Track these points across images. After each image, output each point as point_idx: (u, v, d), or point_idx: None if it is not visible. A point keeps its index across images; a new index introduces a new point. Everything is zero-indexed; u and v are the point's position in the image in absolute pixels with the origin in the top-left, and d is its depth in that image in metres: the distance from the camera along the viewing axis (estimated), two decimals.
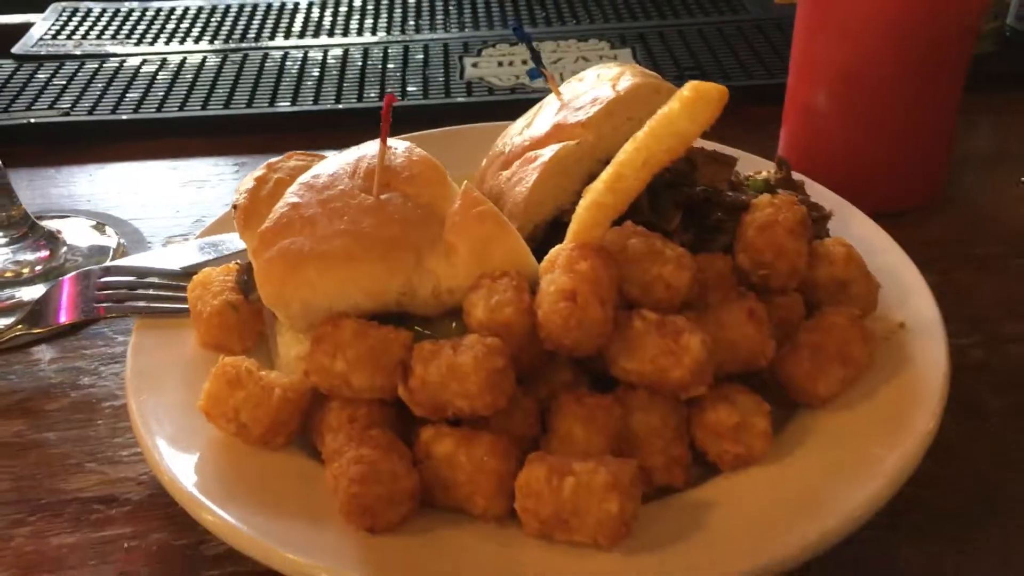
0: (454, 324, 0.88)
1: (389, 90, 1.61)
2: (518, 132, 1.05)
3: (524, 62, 1.70)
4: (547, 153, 0.95)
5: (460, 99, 1.59)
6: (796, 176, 1.09)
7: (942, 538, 0.85)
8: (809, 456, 0.83)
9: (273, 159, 0.97)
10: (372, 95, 1.61)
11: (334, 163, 0.94)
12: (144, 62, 1.76)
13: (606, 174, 0.78)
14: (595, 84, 1.02)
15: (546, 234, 0.96)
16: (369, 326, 0.83)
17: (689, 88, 0.70)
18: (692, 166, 0.98)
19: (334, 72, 1.70)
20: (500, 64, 1.70)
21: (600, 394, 0.83)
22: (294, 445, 0.87)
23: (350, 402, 0.84)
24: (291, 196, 0.90)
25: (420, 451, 0.80)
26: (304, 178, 0.92)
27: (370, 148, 0.95)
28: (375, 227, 0.86)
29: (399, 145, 0.94)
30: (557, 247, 0.84)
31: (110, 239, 1.30)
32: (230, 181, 1.47)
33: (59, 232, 1.29)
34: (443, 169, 0.92)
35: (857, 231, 1.07)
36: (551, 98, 1.07)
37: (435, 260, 0.87)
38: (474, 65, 1.70)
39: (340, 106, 1.59)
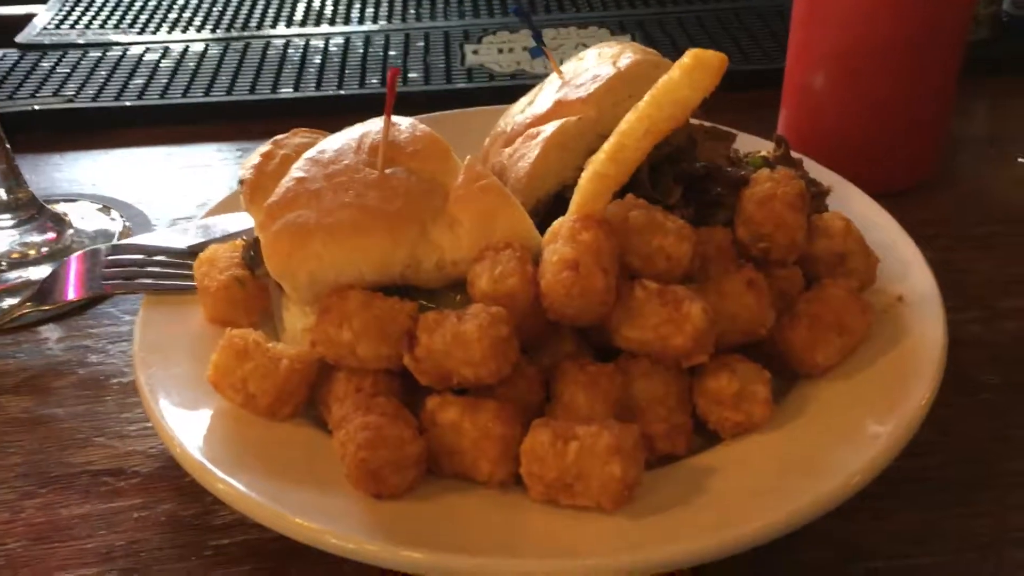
0: (458, 296, 0.90)
1: None
2: (520, 111, 1.06)
3: (524, 48, 1.71)
4: (548, 129, 0.96)
5: (461, 84, 1.60)
6: (794, 154, 1.11)
7: (940, 505, 0.86)
8: (808, 424, 0.84)
9: (279, 136, 0.98)
10: (374, 81, 1.62)
11: (339, 139, 0.95)
12: (147, 50, 1.77)
13: (608, 144, 0.80)
14: (596, 62, 1.04)
15: (548, 208, 0.97)
16: (374, 296, 0.85)
17: (689, 55, 0.71)
18: (692, 142, 0.99)
19: (336, 60, 1.71)
20: (500, 51, 1.71)
21: (601, 362, 0.84)
22: (301, 416, 0.88)
23: (356, 372, 0.85)
24: (297, 171, 0.91)
25: (426, 419, 0.81)
26: (310, 153, 0.93)
27: (374, 124, 0.96)
28: (380, 200, 0.87)
29: (403, 121, 0.95)
30: (560, 219, 0.85)
31: (115, 221, 1.31)
32: (233, 165, 1.48)
33: (65, 215, 1.30)
34: (446, 144, 0.93)
35: (855, 208, 1.08)
36: (552, 77, 1.08)
37: (439, 232, 0.88)
38: (475, 52, 1.71)
39: (342, 92, 1.60)
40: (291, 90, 1.61)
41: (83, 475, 0.93)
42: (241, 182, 0.93)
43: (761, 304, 0.86)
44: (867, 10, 1.17)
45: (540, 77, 1.58)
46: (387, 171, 0.90)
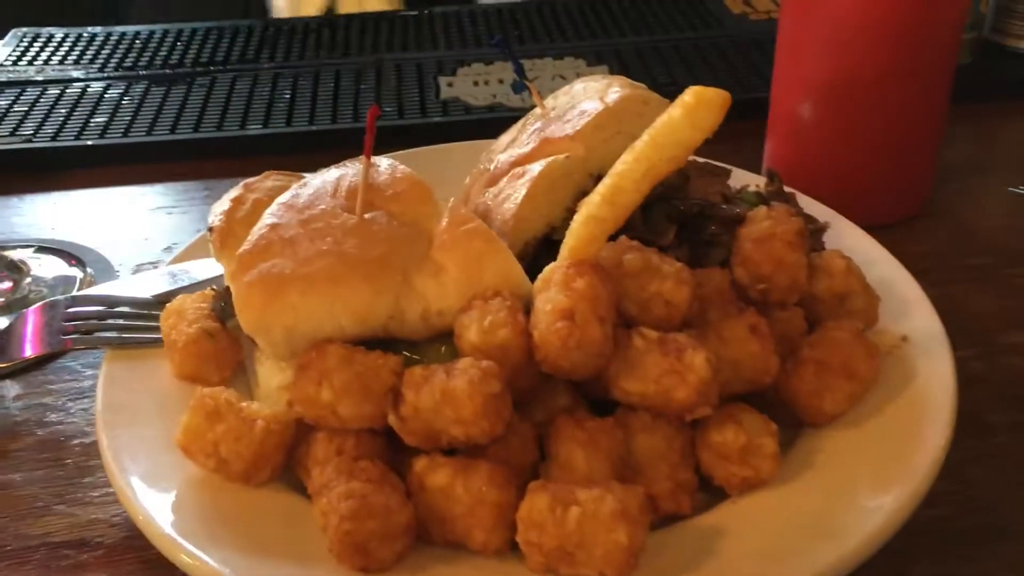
0: (444, 348, 0.84)
1: (361, 110, 1.58)
2: (503, 148, 1.02)
3: (500, 81, 1.67)
4: (535, 168, 0.92)
5: (437, 118, 1.55)
6: (787, 189, 1.07)
7: (955, 558, 0.82)
8: (819, 477, 0.80)
9: (250, 179, 0.92)
10: (347, 116, 1.57)
11: (314, 183, 0.90)
12: (108, 86, 1.71)
13: (603, 187, 0.75)
14: (581, 97, 0.99)
15: (536, 252, 0.93)
16: (356, 351, 0.79)
17: (690, 93, 0.67)
18: (684, 179, 0.95)
19: (306, 93, 1.66)
20: (476, 83, 1.67)
21: (600, 418, 0.79)
22: (278, 481, 0.82)
23: (337, 433, 0.79)
24: (270, 217, 0.86)
25: (413, 483, 0.76)
26: (283, 198, 0.88)
27: (351, 166, 0.91)
28: (360, 247, 0.82)
29: (382, 162, 0.90)
30: (551, 264, 0.81)
31: (77, 269, 1.25)
32: (200, 206, 1.42)
33: (22, 263, 1.24)
34: (428, 186, 0.89)
35: (850, 243, 1.04)
36: (536, 112, 1.04)
37: (423, 280, 0.83)
38: (449, 84, 1.67)
39: (314, 127, 1.55)
40: (260, 126, 1.56)
41: (41, 548, 0.86)
42: (210, 229, 0.88)
43: (766, 351, 0.82)
44: (855, 40, 1.15)
45: (519, 110, 1.55)
46: (366, 216, 0.85)
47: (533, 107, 1.04)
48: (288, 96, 1.65)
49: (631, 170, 0.72)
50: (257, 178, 0.93)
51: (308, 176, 0.93)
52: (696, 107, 0.66)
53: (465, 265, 0.83)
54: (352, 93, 1.66)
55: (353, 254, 0.82)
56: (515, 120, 1.54)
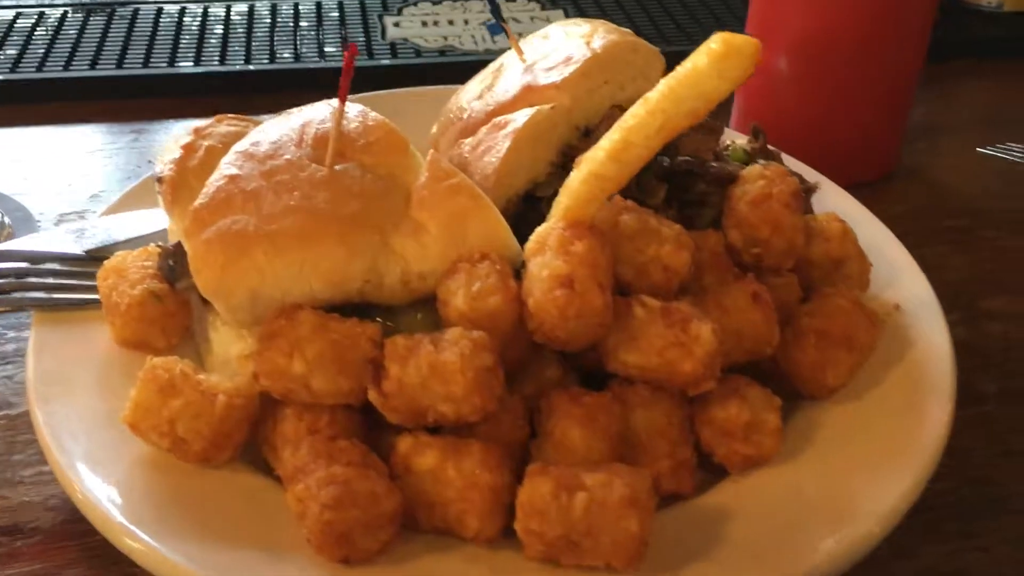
0: (420, 315, 0.77)
1: (305, 51, 1.47)
2: (476, 95, 0.94)
3: (450, 22, 1.57)
4: (519, 118, 0.85)
5: (385, 61, 1.46)
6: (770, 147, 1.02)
7: (959, 535, 0.80)
8: (823, 454, 0.76)
9: (199, 123, 0.83)
10: (286, 55, 1.46)
11: (275, 129, 0.81)
12: (19, 15, 1.55)
13: (608, 142, 0.68)
14: (563, 41, 0.92)
15: (518, 209, 0.86)
16: (330, 318, 0.71)
17: (718, 41, 0.61)
18: None
19: (240, 30, 1.54)
20: (424, 24, 1.57)
21: (596, 392, 0.73)
22: (238, 460, 0.74)
23: (308, 408, 0.72)
24: (227, 167, 0.77)
25: (397, 465, 0.69)
26: (241, 146, 0.79)
27: (316, 112, 0.82)
28: (331, 202, 0.74)
29: (351, 109, 0.81)
30: (545, 225, 0.74)
31: None
32: (128, 151, 1.30)
33: None
34: (404, 136, 0.80)
35: (833, 205, 1.00)
36: (510, 58, 0.96)
37: (402, 240, 0.75)
38: (396, 24, 1.57)
39: (251, 67, 1.43)
40: (191, 64, 1.44)
41: None
42: (159, 180, 0.78)
43: (768, 320, 0.77)
44: None
45: (472, 54, 1.47)
46: (337, 168, 0.76)
47: (491, 51, 0.96)
48: (220, 31, 1.53)
49: (643, 124, 0.65)
50: (208, 122, 0.83)
51: (266, 121, 0.83)
52: (725, 56, 0.60)
53: (448, 224, 0.75)
54: (290, 31, 1.54)
55: (324, 210, 0.73)
56: (466, 65, 1.46)
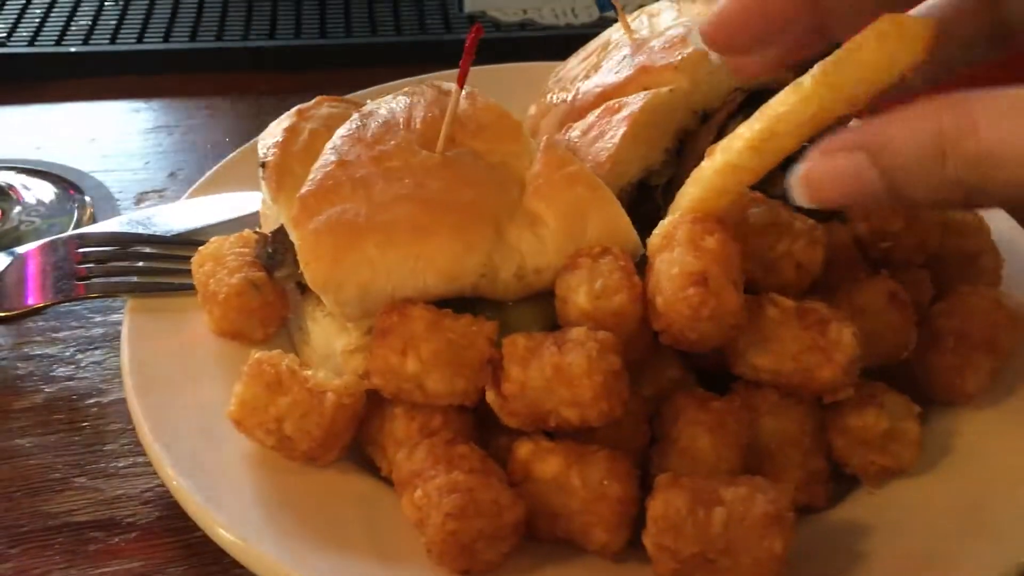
0: (529, 309, 0.74)
1: (379, 24, 1.42)
2: (581, 76, 0.89)
3: None
4: (634, 102, 0.80)
5: (463, 35, 1.40)
6: None
7: None
8: (963, 464, 0.71)
9: (302, 106, 0.79)
10: (362, 29, 1.42)
11: (382, 111, 0.77)
12: None
13: (749, 130, 0.63)
14: (678, 19, 0.87)
15: (631, 197, 0.81)
16: (444, 315, 0.68)
17: (887, 21, 0.55)
18: None
19: (314, 2, 1.49)
20: None
21: (725, 397, 0.69)
22: (344, 459, 0.71)
23: (419, 408, 0.68)
24: (334, 152, 0.73)
25: (516, 470, 0.66)
26: (346, 130, 0.75)
27: (423, 93, 0.78)
28: (445, 191, 0.70)
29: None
30: (670, 218, 0.69)
31: (73, 196, 1.10)
32: (203, 127, 1.27)
33: (9, 187, 1.08)
34: (517, 120, 0.76)
35: None
36: (614, 35, 0.91)
37: (517, 232, 0.71)
38: None
39: (326, 41, 1.39)
40: (265, 37, 1.40)
41: (64, 529, 0.74)
42: (263, 165, 0.74)
43: (906, 322, 0.73)
44: None
45: (552, 28, 1.41)
46: (449, 153, 0.72)
47: (572, 26, 0.90)
48: (293, 3, 1.49)
49: (793, 112, 0.60)
50: (310, 104, 0.79)
51: (369, 104, 0.79)
52: (893, 38, 0.55)
53: (566, 215, 0.71)
54: (365, 2, 1.49)
55: (439, 200, 0.70)
56: (549, 39, 1.42)
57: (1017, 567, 0.63)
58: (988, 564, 0.63)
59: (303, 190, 0.71)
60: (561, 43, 1.22)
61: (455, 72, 0.72)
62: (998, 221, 0.89)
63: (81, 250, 0.87)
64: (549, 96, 0.92)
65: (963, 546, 0.65)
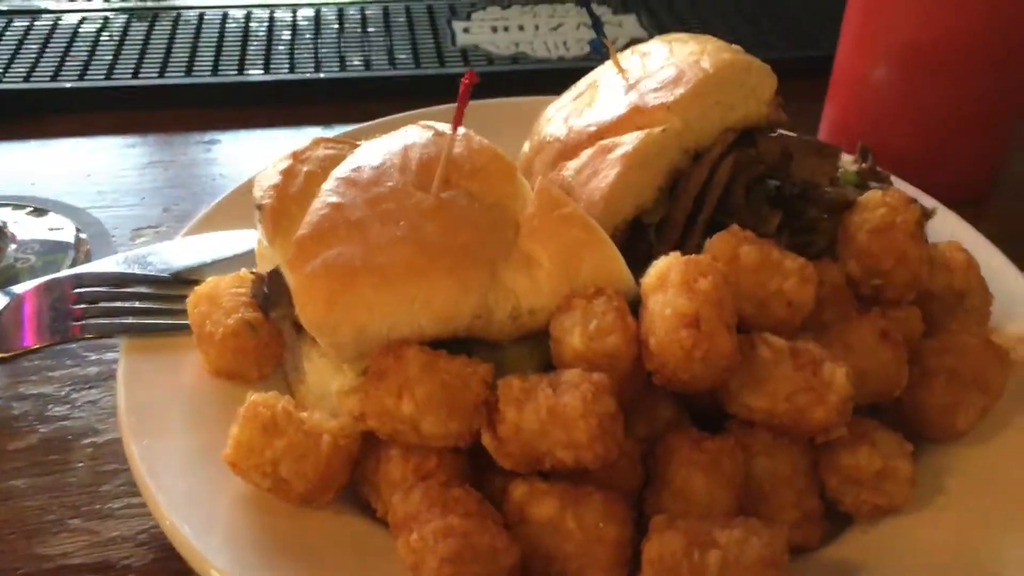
0: (525, 350, 0.74)
1: (375, 58, 1.43)
2: (576, 113, 0.90)
3: (520, 28, 1.53)
4: (628, 141, 0.81)
5: (457, 69, 1.42)
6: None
7: None
8: (956, 503, 0.72)
9: (297, 148, 0.79)
10: (356, 63, 1.43)
11: (376, 153, 0.77)
12: (84, 20, 1.53)
13: None
14: (667, 59, 0.88)
15: (624, 236, 0.82)
16: (439, 357, 0.68)
17: None
18: (788, 157, 0.85)
19: (307, 36, 1.51)
20: (495, 30, 1.53)
21: (718, 437, 0.70)
22: (339, 500, 0.71)
23: (414, 450, 0.69)
24: (330, 195, 0.73)
25: (512, 512, 0.66)
26: (342, 172, 0.76)
27: (416, 135, 0.79)
28: (440, 234, 0.71)
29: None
30: (664, 259, 0.70)
31: (67, 232, 1.10)
32: (202, 163, 1.28)
33: (3, 224, 1.09)
34: (511, 162, 0.77)
35: (943, 230, 0.96)
36: (608, 73, 0.92)
37: (512, 274, 0.72)
38: (466, 31, 1.53)
39: (321, 75, 1.40)
40: (261, 71, 1.41)
41: (60, 572, 0.74)
42: (259, 207, 0.75)
43: (898, 360, 0.73)
44: None
45: (544, 62, 1.43)
46: (443, 195, 0.73)
47: (564, 59, 0.91)
48: (288, 37, 1.50)
49: None
50: (306, 146, 0.80)
51: (364, 145, 0.80)
52: None
53: (561, 257, 0.72)
54: (358, 38, 1.51)
55: (434, 242, 0.70)
56: (540, 73, 1.43)
57: None
58: None
59: (299, 233, 0.71)
60: (554, 77, 1.23)
61: (449, 107, 0.73)
62: (987, 257, 0.90)
63: (77, 290, 0.87)
64: (543, 134, 0.93)
65: None
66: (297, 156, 0.78)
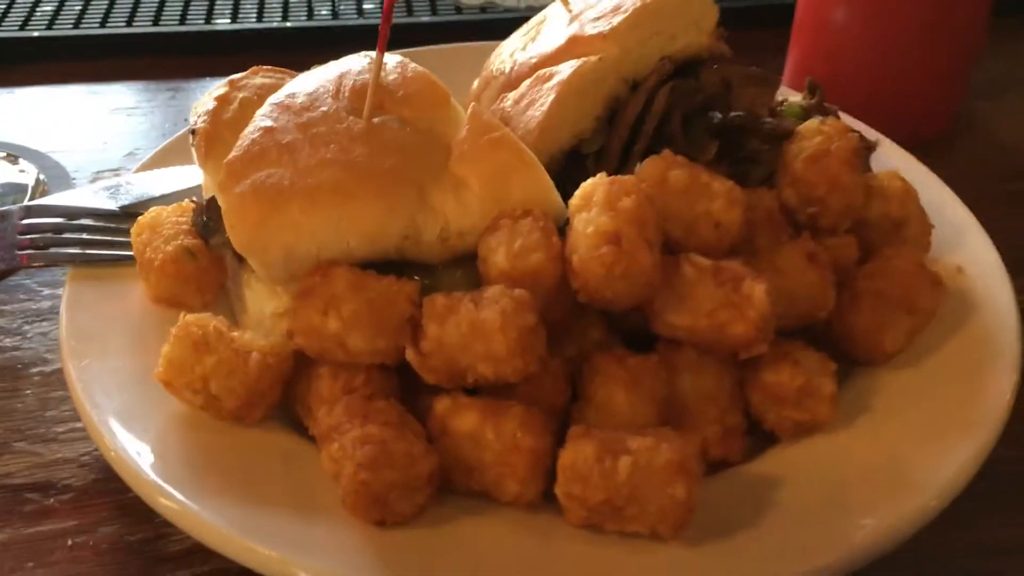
0: (460, 272, 0.75)
1: (343, 7, 1.43)
2: (520, 47, 0.90)
3: None
4: (564, 70, 0.81)
5: (425, 18, 1.42)
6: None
7: (1018, 507, 0.76)
8: (879, 422, 0.72)
9: (235, 76, 0.80)
10: (323, 12, 1.43)
11: (311, 80, 0.78)
12: None
13: None
14: None
15: (561, 165, 0.82)
16: (367, 276, 0.69)
17: None
18: (727, 87, 0.85)
19: None
20: None
21: (642, 354, 0.70)
22: (272, 419, 0.72)
23: (344, 368, 0.70)
24: (263, 119, 0.74)
25: (435, 426, 0.67)
26: (277, 98, 0.76)
27: (353, 63, 0.80)
28: (369, 156, 0.72)
29: (389, 60, 0.78)
30: (591, 180, 0.71)
31: (27, 174, 1.11)
32: (164, 109, 1.29)
33: None
34: (444, 88, 0.78)
35: (892, 164, 0.96)
36: (555, 9, 0.93)
37: (441, 196, 0.73)
38: None
39: (288, 24, 1.40)
40: (228, 21, 1.41)
41: (2, 490, 0.76)
42: (193, 132, 0.76)
43: (824, 282, 0.74)
44: None
45: (513, 11, 1.43)
46: (375, 120, 0.74)
47: (533, 8, 0.93)
48: None
49: None
50: (244, 74, 0.81)
51: (301, 74, 0.81)
52: None
53: (490, 180, 0.72)
54: None
55: (362, 164, 0.71)
56: (508, 22, 1.42)
57: (924, 512, 0.64)
58: (891, 514, 0.64)
59: (230, 156, 0.72)
60: (521, 25, 1.23)
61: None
62: (928, 187, 0.91)
63: (28, 221, 0.88)
64: (491, 69, 0.94)
65: (870, 497, 0.66)
66: (234, 83, 0.79)
